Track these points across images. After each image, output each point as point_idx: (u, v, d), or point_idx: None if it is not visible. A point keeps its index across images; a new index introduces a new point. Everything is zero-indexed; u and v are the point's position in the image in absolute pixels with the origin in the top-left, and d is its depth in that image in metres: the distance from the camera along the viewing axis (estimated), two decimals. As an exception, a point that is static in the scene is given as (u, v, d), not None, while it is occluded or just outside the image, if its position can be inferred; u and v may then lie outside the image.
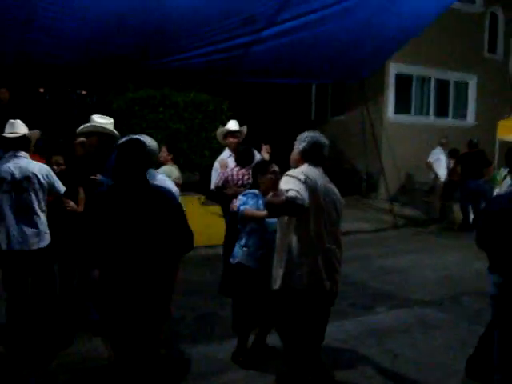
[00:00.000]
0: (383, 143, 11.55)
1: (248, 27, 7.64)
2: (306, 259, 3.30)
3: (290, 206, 3.08)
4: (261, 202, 3.87)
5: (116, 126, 7.94)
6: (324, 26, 7.99)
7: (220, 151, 8.63)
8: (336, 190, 3.54)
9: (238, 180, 5.45)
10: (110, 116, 7.94)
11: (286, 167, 3.51)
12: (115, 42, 7.59)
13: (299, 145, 3.44)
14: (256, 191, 4.00)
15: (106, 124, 4.99)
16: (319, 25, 7.94)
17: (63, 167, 4.53)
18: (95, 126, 4.92)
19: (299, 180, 3.22)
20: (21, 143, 4.12)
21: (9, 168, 3.98)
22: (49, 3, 6.36)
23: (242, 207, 3.90)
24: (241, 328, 4.12)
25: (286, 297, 3.37)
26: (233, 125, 5.95)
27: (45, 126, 8.03)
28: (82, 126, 5.02)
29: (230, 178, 5.48)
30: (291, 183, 3.18)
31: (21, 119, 5.78)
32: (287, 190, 3.10)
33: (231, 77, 8.82)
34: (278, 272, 3.37)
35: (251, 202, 3.90)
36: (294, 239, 3.30)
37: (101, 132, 4.82)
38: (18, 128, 4.15)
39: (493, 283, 3.37)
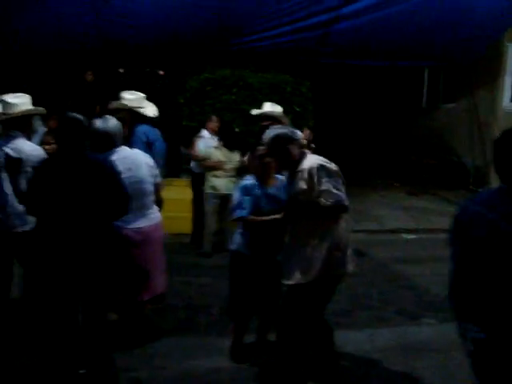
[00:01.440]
0: (495, 134, 10.28)
1: (325, 3, 7.13)
2: (341, 243, 3.35)
3: (337, 210, 3.27)
4: (257, 191, 3.61)
5: (189, 105, 8.00)
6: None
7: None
8: None
9: None
10: (184, 96, 8.02)
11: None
12: (191, 22, 7.53)
13: (290, 143, 3.34)
14: (250, 181, 3.68)
15: (132, 100, 4.97)
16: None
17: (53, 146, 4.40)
18: (121, 103, 4.97)
19: (335, 171, 3.32)
20: (16, 123, 3.93)
21: (2, 148, 3.86)
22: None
23: (239, 213, 3.60)
24: (235, 315, 3.87)
25: (322, 285, 3.33)
26: (265, 107, 5.63)
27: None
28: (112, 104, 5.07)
29: None
30: (330, 182, 3.22)
31: (103, 99, 5.79)
32: (328, 193, 3.18)
33: (313, 58, 8.36)
34: (313, 263, 3.28)
35: (247, 203, 3.59)
36: (332, 227, 3.31)
37: (128, 108, 4.87)
38: (12, 108, 3.91)
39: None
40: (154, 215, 3.91)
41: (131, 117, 4.95)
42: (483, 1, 7.25)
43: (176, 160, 7.75)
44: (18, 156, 3.86)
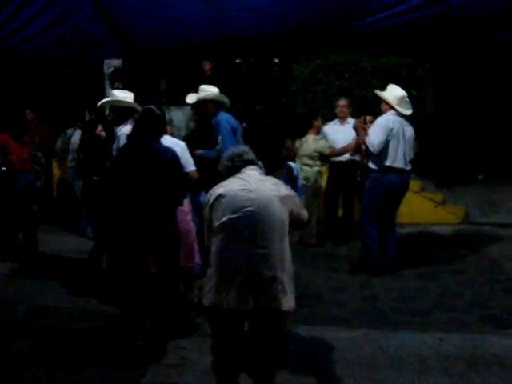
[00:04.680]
0: None
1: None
2: None
3: None
4: None
5: (301, 92, 7.99)
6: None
7: (412, 122, 7.83)
8: None
9: None
10: (294, 83, 8.03)
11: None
12: (301, 11, 7.44)
13: None
14: None
15: (215, 92, 5.23)
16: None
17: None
18: (209, 94, 5.23)
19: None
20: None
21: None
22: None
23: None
24: None
25: None
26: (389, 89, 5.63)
27: (243, 95, 8.57)
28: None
29: None
30: None
31: (221, 89, 6.16)
32: None
33: (436, 37, 7.74)
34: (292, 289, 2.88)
35: None
36: None
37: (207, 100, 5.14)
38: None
39: None
40: None
41: (216, 107, 5.33)
42: None
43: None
44: None
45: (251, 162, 2.99)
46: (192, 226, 4.55)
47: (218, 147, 5.20)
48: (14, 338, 4.10)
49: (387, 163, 5.42)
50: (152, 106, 4.04)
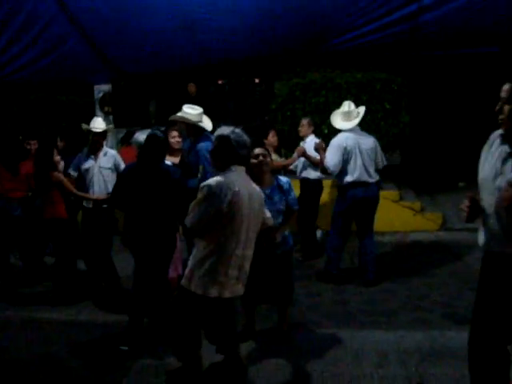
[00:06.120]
0: None
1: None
2: None
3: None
4: None
5: (280, 110, 8.34)
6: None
7: (387, 134, 8.17)
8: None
9: None
10: (274, 102, 8.40)
11: None
12: (278, 33, 7.82)
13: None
14: None
15: (194, 114, 5.37)
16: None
17: None
18: (183, 116, 5.39)
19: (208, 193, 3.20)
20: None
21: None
22: (197, 6, 6.99)
23: None
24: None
25: None
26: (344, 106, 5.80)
27: (226, 114, 8.94)
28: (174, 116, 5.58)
29: None
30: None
31: (205, 110, 6.41)
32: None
33: (409, 52, 8.12)
34: None
35: None
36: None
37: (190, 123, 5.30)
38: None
39: None
40: None
41: (192, 131, 5.34)
42: None
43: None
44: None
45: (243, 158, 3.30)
46: (178, 239, 4.86)
47: (199, 176, 4.99)
48: (5, 351, 4.39)
49: (349, 179, 5.56)
50: (156, 132, 4.43)
